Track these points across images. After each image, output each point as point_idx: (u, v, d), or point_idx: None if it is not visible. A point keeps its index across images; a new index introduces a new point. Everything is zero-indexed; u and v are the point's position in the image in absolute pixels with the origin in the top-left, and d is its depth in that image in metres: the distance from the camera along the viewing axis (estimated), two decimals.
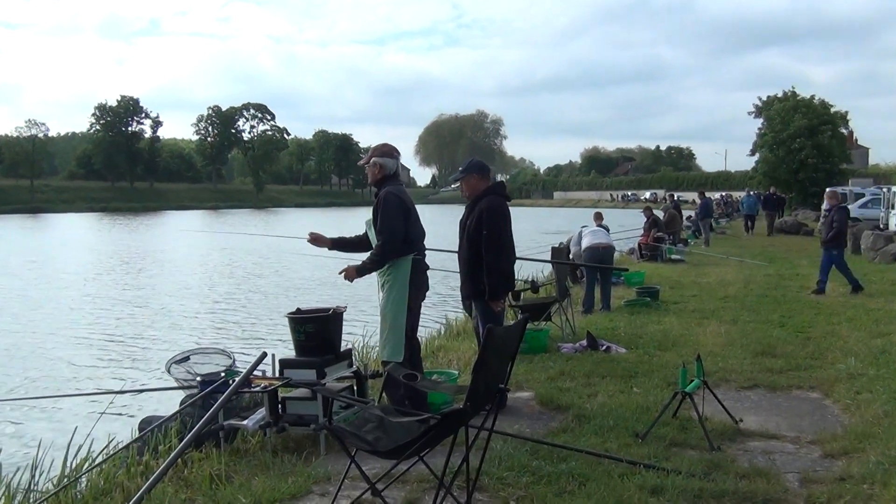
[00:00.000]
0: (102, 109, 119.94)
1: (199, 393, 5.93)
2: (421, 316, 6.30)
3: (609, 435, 5.73)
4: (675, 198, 30.31)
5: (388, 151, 6.19)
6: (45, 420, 9.28)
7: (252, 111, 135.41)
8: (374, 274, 6.08)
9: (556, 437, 5.78)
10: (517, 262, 7.07)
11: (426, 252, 6.22)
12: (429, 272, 6.24)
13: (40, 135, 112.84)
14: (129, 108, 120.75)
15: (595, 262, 12.24)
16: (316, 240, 6.21)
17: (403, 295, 5.90)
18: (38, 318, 16.67)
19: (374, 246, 6.01)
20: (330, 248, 6.27)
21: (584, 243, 12.62)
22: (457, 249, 6.79)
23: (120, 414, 9.14)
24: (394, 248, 5.87)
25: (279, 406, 5.75)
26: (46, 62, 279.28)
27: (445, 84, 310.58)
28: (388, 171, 6.12)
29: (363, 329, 11.38)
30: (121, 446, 5.96)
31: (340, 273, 6.05)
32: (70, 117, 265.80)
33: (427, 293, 6.23)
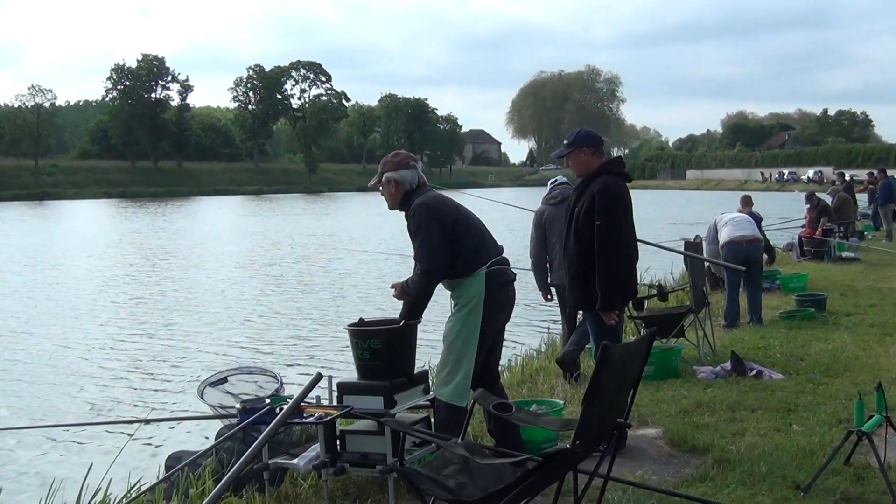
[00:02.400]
0: (120, 72, 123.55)
1: (238, 423, 6.04)
2: (506, 331, 6.23)
3: (761, 486, 5.63)
4: (848, 178, 29.57)
5: (402, 162, 6.09)
6: (53, 453, 9.62)
7: (303, 71, 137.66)
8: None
9: (690, 487, 5.71)
10: (639, 258, 6.97)
11: (502, 254, 6.07)
12: (517, 280, 6.16)
13: (46, 104, 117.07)
14: (153, 70, 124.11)
15: (737, 260, 12.00)
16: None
17: (475, 324, 5.84)
18: (45, 329, 17.26)
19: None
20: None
21: (724, 236, 12.39)
22: (562, 244, 6.75)
23: (144, 447, 9.40)
24: (435, 275, 5.83)
25: (337, 441, 5.82)
26: (54, 15, 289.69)
27: (548, 34, 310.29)
28: (407, 187, 6.02)
29: (441, 345, 11.41)
30: (144, 488, 6.12)
31: (391, 289, 6.08)
32: (82, 82, 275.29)
33: (513, 308, 6.15)
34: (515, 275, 6.11)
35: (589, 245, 6.44)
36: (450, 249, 5.82)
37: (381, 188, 6.12)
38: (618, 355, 3.96)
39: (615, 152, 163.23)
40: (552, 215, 9.47)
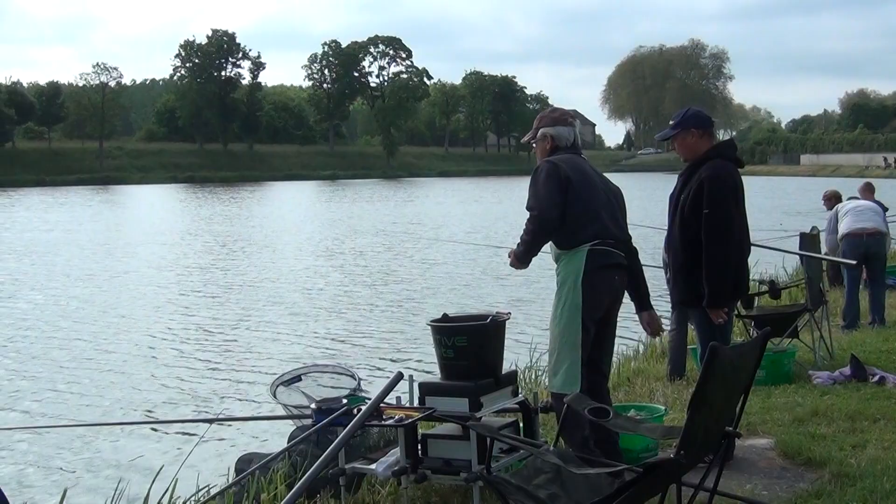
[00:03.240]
0: (189, 48, 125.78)
1: (313, 425, 6.10)
2: (617, 329, 6.23)
3: None
4: None
5: (560, 118, 6.18)
6: (120, 452, 9.86)
7: (382, 47, 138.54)
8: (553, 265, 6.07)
9: (806, 503, 5.63)
10: (751, 252, 6.89)
11: (621, 240, 6.07)
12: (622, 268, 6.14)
13: (112, 83, 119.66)
14: (224, 47, 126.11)
15: (855, 254, 11.76)
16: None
17: (576, 303, 5.85)
18: (115, 321, 17.66)
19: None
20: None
21: (843, 227, 12.15)
22: (665, 236, 6.70)
23: (213, 448, 9.57)
24: (545, 224, 5.87)
25: (418, 446, 5.85)
26: None
27: (648, 5, 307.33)
28: (562, 144, 6.11)
29: (532, 343, 11.41)
30: (214, 491, 6.22)
31: (509, 257, 6.13)
32: (149, 59, 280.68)
33: (621, 298, 6.14)
34: (626, 261, 6.06)
35: (696, 236, 6.39)
36: (561, 207, 5.85)
37: (534, 143, 6.24)
38: (727, 358, 3.92)
39: (721, 135, 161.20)
40: None
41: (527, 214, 6.01)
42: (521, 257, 6.01)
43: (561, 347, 5.89)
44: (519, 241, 6.02)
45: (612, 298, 6.04)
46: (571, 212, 5.88)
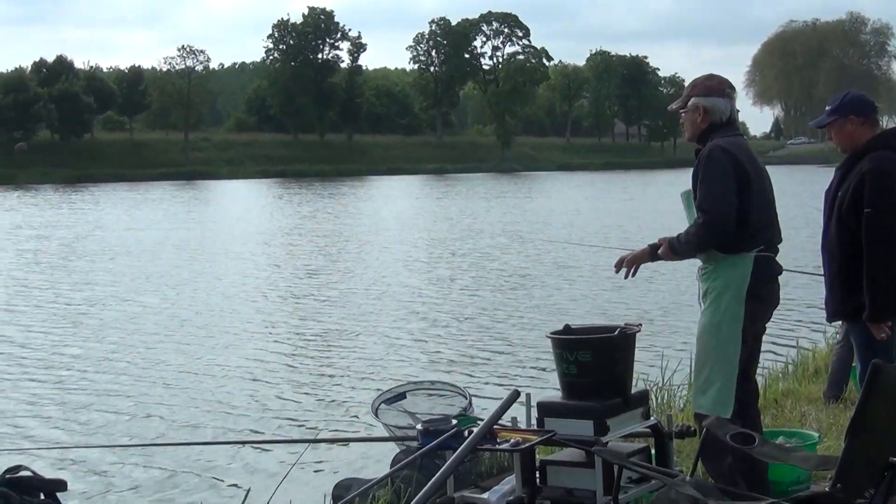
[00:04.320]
0: (283, 29, 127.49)
1: (419, 448, 6.15)
2: (763, 344, 6.19)
3: None
4: None
5: (717, 88, 6.11)
6: (210, 472, 10.08)
7: (496, 25, 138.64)
8: (696, 272, 6.04)
9: None
10: None
11: (779, 246, 6.05)
12: (781, 278, 6.10)
13: (199, 67, 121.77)
14: (321, 26, 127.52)
15: None
16: (630, 262, 6.20)
17: (738, 314, 5.82)
18: (207, 331, 18.02)
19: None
20: (653, 260, 6.27)
21: None
22: (821, 239, 6.60)
23: (310, 471, 9.71)
24: (720, 229, 5.80)
25: (536, 473, 5.86)
26: None
27: None
28: (717, 118, 6.05)
29: (664, 359, 11.32)
30: None
31: (617, 268, 6.10)
32: (239, 41, 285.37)
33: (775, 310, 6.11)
34: (782, 270, 6.07)
35: (855, 238, 6.30)
36: (737, 205, 5.80)
37: (682, 114, 6.20)
38: (891, 378, 3.86)
39: (886, 122, 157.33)
40: None
41: (682, 214, 5.96)
42: (679, 253, 5.99)
43: (714, 363, 5.87)
44: (680, 236, 5.95)
45: (771, 311, 6.07)
46: (747, 214, 5.84)
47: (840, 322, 9.06)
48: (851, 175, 6.38)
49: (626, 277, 6.25)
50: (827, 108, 6.62)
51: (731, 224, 5.78)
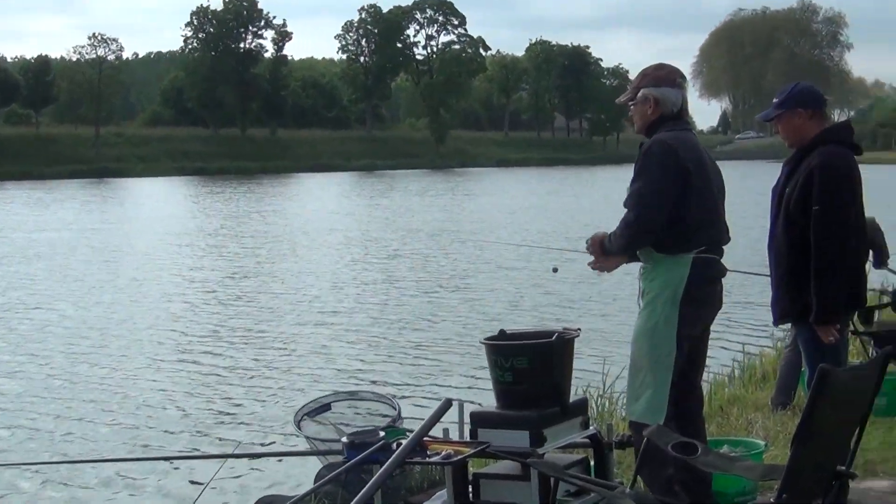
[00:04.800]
0: (202, 16, 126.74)
1: (344, 462, 6.13)
2: (709, 348, 6.23)
3: None
4: None
5: (667, 77, 6.14)
6: (121, 491, 9.97)
7: (430, 13, 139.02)
8: (637, 272, 6.07)
9: None
10: (868, 256, 6.83)
11: (724, 247, 6.08)
12: (727, 279, 6.14)
13: (111, 56, 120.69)
14: (243, 14, 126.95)
15: None
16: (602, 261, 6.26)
17: (672, 318, 5.85)
18: (115, 341, 17.84)
19: None
20: (629, 262, 6.31)
21: None
22: (767, 238, 6.65)
23: (228, 488, 9.63)
24: (645, 228, 5.87)
25: (469, 488, 5.85)
26: None
27: None
28: (667, 110, 6.08)
29: (605, 365, 11.38)
30: None
31: (587, 246, 6.15)
32: (154, 29, 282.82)
33: (718, 311, 6.15)
34: (726, 271, 6.11)
35: (803, 237, 6.34)
36: (670, 206, 5.85)
37: (631, 106, 6.21)
38: (840, 383, 3.90)
39: (837, 115, 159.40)
40: None
41: (620, 210, 6.00)
42: (610, 253, 6.05)
43: (647, 368, 5.90)
44: (610, 235, 6.01)
45: (712, 314, 6.10)
46: (686, 213, 5.87)
47: (789, 325, 9.20)
48: (799, 171, 6.40)
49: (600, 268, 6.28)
50: (774, 100, 6.65)
51: (657, 224, 5.84)
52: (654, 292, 5.91)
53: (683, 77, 6.24)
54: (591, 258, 6.20)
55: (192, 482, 9.68)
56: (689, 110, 6.36)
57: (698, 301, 5.90)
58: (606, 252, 6.06)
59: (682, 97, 6.13)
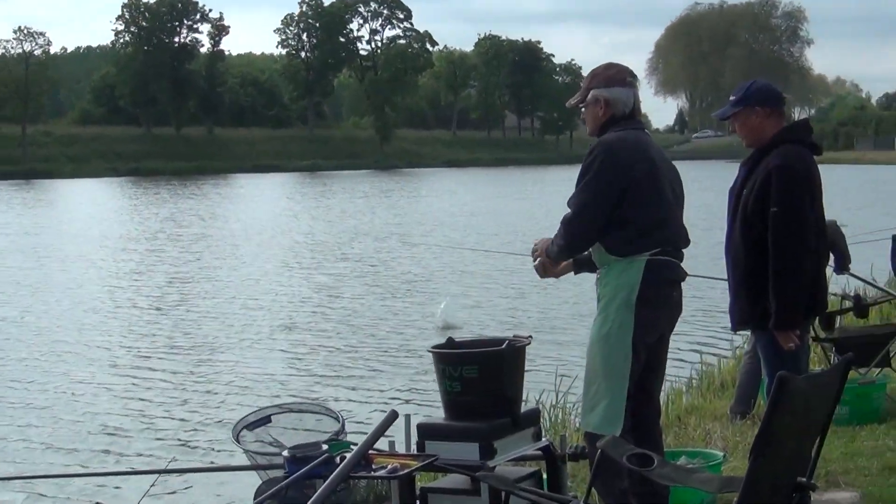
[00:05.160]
0: (134, 9, 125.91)
1: (285, 477, 6.12)
2: (668, 356, 6.27)
3: None
4: None
5: (617, 77, 6.17)
6: None
7: (374, 6, 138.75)
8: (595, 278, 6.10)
9: None
10: (829, 260, 6.89)
11: (683, 250, 6.11)
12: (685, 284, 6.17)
13: (38, 51, 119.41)
14: (177, 7, 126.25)
15: None
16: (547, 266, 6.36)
17: (626, 323, 5.87)
18: (41, 350, 17.67)
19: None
20: (576, 273, 6.41)
21: None
22: (725, 240, 6.69)
23: None
24: (581, 229, 5.94)
25: (417, 502, 5.85)
26: None
27: None
28: (618, 110, 6.11)
29: (557, 375, 11.40)
30: None
31: (534, 256, 6.18)
32: (83, 22, 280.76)
33: (678, 317, 6.17)
34: (686, 275, 6.13)
35: (761, 240, 6.39)
36: (610, 209, 5.88)
37: (582, 108, 6.25)
38: (799, 391, 3.92)
39: (797, 114, 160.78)
40: None
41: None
42: (555, 258, 6.13)
43: (603, 377, 5.91)
44: (553, 239, 6.08)
45: (670, 319, 6.11)
46: (633, 215, 5.90)
47: (748, 331, 9.26)
48: (757, 171, 6.45)
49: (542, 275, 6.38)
50: (731, 98, 6.70)
51: (595, 225, 5.89)
52: (607, 297, 5.93)
53: (634, 76, 6.27)
54: (537, 262, 6.26)
55: (125, 498, 9.61)
56: (644, 109, 6.43)
57: (654, 304, 5.90)
58: (550, 256, 6.13)
59: (634, 96, 6.16)
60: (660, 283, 5.93)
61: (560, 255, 6.10)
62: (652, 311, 5.90)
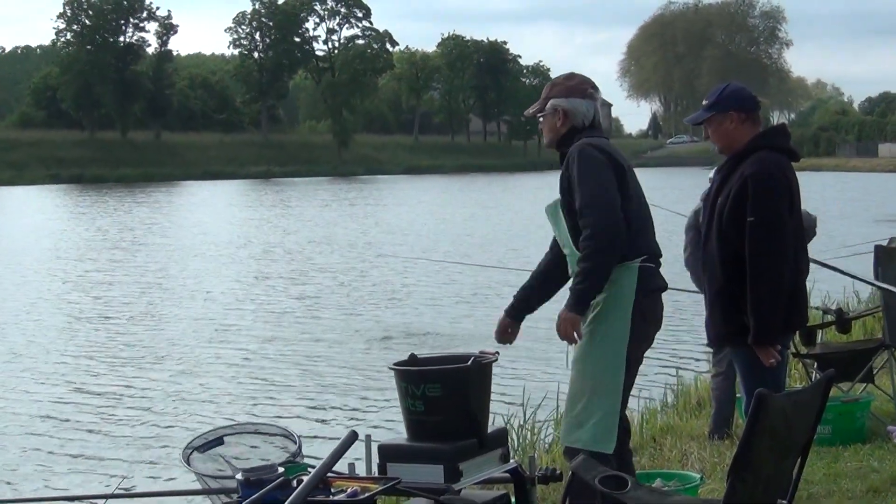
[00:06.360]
0: (76, 6, 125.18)
1: (239, 501, 6.11)
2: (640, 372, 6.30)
3: None
4: None
5: (578, 88, 6.24)
6: None
7: (331, 3, 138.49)
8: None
9: None
10: (809, 271, 6.93)
11: (659, 259, 6.16)
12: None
13: None
14: (122, 4, 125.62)
15: None
16: (506, 333, 6.60)
17: (622, 333, 5.90)
18: None
19: (570, 251, 6.07)
20: (520, 322, 6.60)
21: None
22: (700, 252, 6.72)
23: None
24: (611, 230, 5.87)
25: None
26: None
27: None
28: (578, 122, 6.18)
29: (525, 392, 11.42)
30: None
31: (558, 327, 6.08)
32: (21, 21, 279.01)
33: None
34: (667, 286, 6.19)
35: (737, 252, 6.41)
36: (623, 206, 5.92)
37: (540, 118, 6.29)
38: (778, 408, 3.95)
39: (776, 118, 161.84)
40: None
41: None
42: (582, 307, 5.95)
43: (594, 391, 5.95)
44: (576, 278, 5.96)
45: (655, 331, 6.19)
46: (626, 210, 5.97)
47: (714, 351, 9.31)
48: (732, 179, 6.47)
49: (510, 343, 6.62)
50: (704, 102, 6.74)
51: (622, 224, 5.89)
52: (599, 305, 5.95)
53: (595, 87, 6.33)
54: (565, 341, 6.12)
55: None
56: (616, 113, 6.58)
57: (646, 315, 5.98)
58: (581, 306, 5.95)
59: (595, 108, 6.23)
60: (650, 292, 6.01)
61: (598, 283, 5.92)
62: (644, 322, 5.96)
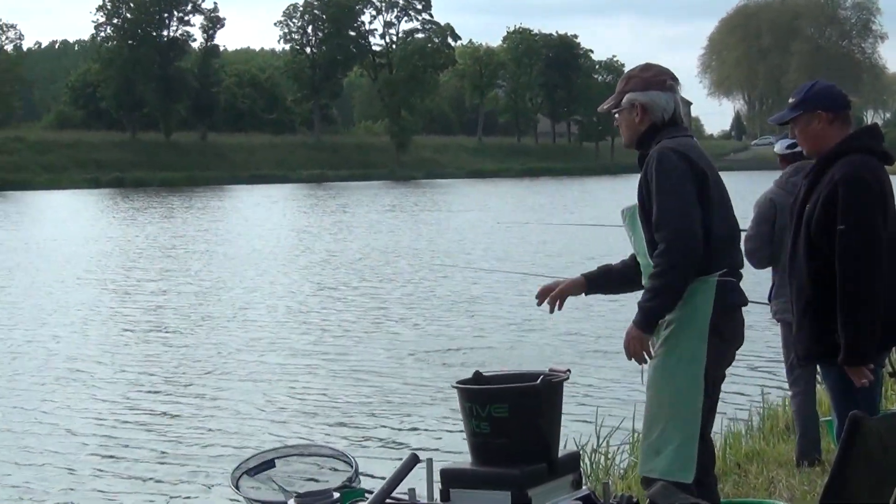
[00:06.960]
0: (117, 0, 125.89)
1: None
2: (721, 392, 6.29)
3: None
4: None
5: (655, 80, 6.21)
6: None
7: None
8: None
9: None
10: None
11: (741, 272, 6.15)
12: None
13: (9, 46, 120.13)
14: None
15: None
16: (556, 295, 6.38)
17: (699, 354, 5.89)
18: (29, 382, 17.73)
19: (645, 262, 6.07)
20: (587, 293, 6.45)
21: None
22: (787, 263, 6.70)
23: None
24: (687, 247, 5.85)
25: None
26: None
27: None
28: (658, 117, 6.14)
29: (599, 414, 11.39)
30: None
31: (626, 345, 6.10)
32: (60, 14, 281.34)
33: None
34: (747, 300, 6.16)
35: (827, 262, 6.37)
36: (702, 218, 5.90)
37: (616, 115, 6.27)
38: (874, 433, 3.93)
39: (869, 118, 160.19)
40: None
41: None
42: (650, 324, 5.97)
43: (670, 416, 5.95)
44: (646, 292, 5.97)
45: (735, 350, 6.18)
46: (710, 227, 5.95)
47: (790, 369, 9.25)
48: (821, 185, 6.43)
49: (551, 312, 6.33)
50: (790, 100, 6.69)
51: (699, 240, 5.85)
52: (673, 324, 5.94)
53: (675, 79, 6.29)
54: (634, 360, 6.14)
55: None
56: (697, 112, 6.50)
57: (725, 333, 5.96)
58: (650, 323, 5.96)
59: (675, 101, 6.19)
60: (730, 308, 5.98)
61: (671, 297, 5.90)
62: (723, 341, 5.95)
